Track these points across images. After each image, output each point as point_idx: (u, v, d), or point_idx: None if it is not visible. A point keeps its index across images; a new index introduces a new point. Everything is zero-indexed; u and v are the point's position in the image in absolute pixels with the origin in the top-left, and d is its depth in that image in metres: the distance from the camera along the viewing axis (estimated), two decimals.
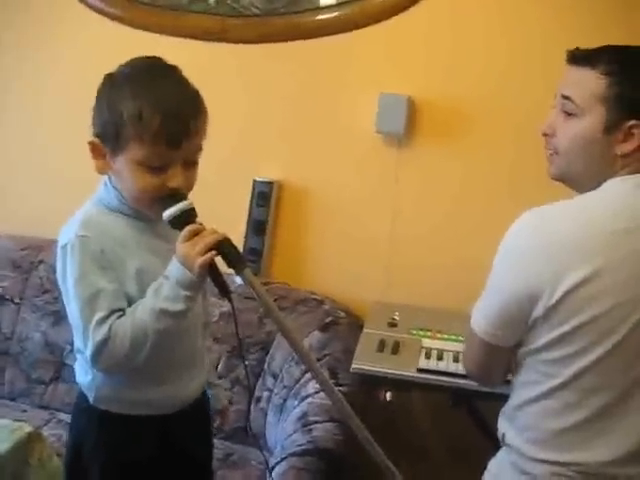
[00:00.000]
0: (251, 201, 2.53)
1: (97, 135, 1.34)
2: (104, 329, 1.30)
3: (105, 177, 1.40)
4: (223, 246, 1.27)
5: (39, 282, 2.52)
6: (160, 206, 1.32)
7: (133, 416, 1.43)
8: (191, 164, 1.35)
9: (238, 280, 1.46)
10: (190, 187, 1.36)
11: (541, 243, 1.31)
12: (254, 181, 2.53)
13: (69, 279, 1.32)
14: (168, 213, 1.30)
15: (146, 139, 1.28)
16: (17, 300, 2.53)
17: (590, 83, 1.34)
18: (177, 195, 1.31)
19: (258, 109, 2.55)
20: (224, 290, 1.30)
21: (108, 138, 1.31)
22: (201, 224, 1.31)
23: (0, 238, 2.65)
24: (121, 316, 1.32)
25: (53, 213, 2.57)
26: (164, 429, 1.45)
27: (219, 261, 1.29)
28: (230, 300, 1.32)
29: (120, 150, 1.31)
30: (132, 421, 1.43)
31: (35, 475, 1.65)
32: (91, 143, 1.34)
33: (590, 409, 1.31)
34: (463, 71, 2.37)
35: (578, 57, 1.38)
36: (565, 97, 1.38)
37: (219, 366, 2.31)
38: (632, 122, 1.32)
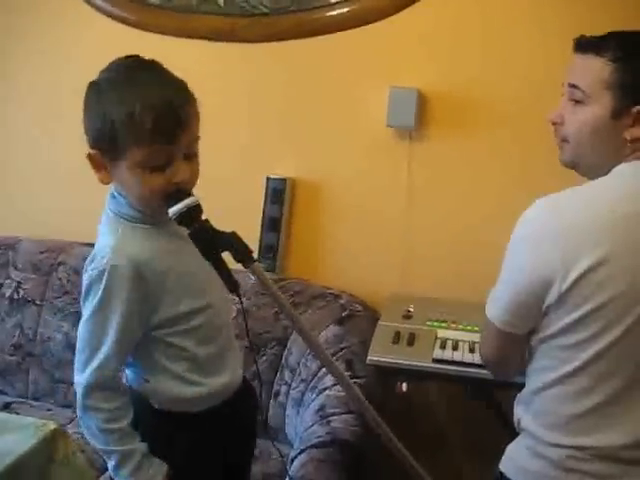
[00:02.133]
0: (265, 198, 2.55)
1: (93, 147, 1.33)
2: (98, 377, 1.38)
3: (111, 189, 1.40)
4: (229, 241, 1.27)
5: (59, 284, 2.56)
6: (167, 204, 1.30)
7: (197, 412, 1.48)
8: (192, 156, 1.34)
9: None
10: (195, 180, 1.36)
11: (552, 230, 1.32)
12: (267, 178, 2.55)
13: (90, 305, 1.37)
14: (173, 210, 1.28)
15: (143, 140, 1.27)
16: (38, 302, 2.57)
17: (596, 70, 1.35)
18: (181, 191, 1.30)
19: (269, 107, 2.57)
20: (232, 286, 1.29)
21: (105, 148, 1.31)
22: (207, 220, 1.29)
23: (21, 242, 2.70)
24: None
25: (71, 216, 2.64)
26: (220, 418, 1.50)
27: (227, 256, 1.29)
28: (239, 296, 1.32)
29: (119, 157, 1.29)
30: (195, 417, 1.47)
31: (60, 471, 1.67)
32: (89, 156, 1.33)
33: (603, 394, 1.32)
34: (472, 63, 2.37)
35: (584, 45, 1.39)
36: (572, 85, 1.39)
37: None
38: (639, 107, 1.33)
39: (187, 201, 1.27)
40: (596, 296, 1.29)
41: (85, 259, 1.42)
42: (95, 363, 1.37)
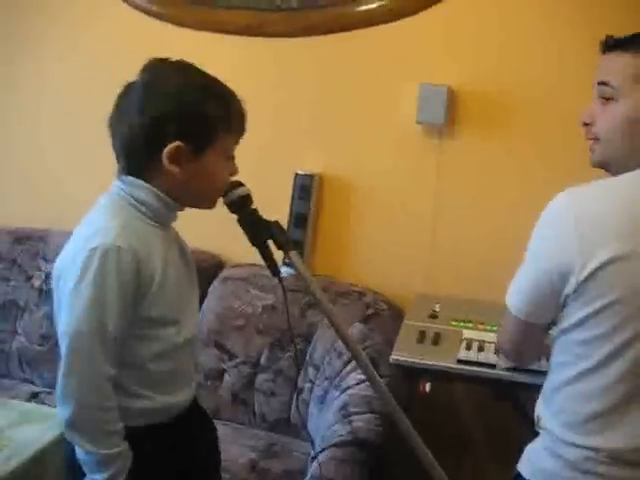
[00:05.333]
0: (293, 194, 2.55)
1: (179, 138, 1.29)
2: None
3: (132, 182, 1.34)
4: (273, 229, 1.35)
5: None
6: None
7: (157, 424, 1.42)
8: None
9: (284, 271, 1.49)
10: None
11: (573, 220, 1.30)
12: (296, 174, 2.55)
13: (88, 283, 1.27)
14: (231, 197, 1.37)
15: (231, 128, 1.36)
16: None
17: (625, 65, 1.34)
18: (234, 182, 1.39)
19: (298, 103, 2.56)
20: (274, 270, 1.37)
21: (196, 138, 1.31)
22: (255, 209, 1.37)
23: (51, 233, 2.74)
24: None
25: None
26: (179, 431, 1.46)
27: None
28: (280, 280, 1.39)
29: (209, 146, 1.33)
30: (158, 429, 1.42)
31: None
32: (178, 148, 1.30)
33: (621, 394, 1.30)
34: (502, 60, 2.35)
35: (611, 44, 1.39)
36: (602, 83, 1.38)
37: (262, 358, 2.35)
38: None
39: (241, 190, 1.37)
40: (610, 292, 1.27)
41: None
42: (102, 354, 1.28)
